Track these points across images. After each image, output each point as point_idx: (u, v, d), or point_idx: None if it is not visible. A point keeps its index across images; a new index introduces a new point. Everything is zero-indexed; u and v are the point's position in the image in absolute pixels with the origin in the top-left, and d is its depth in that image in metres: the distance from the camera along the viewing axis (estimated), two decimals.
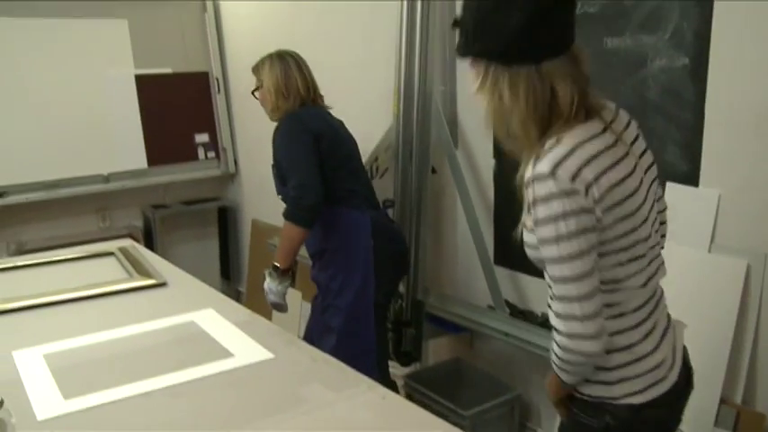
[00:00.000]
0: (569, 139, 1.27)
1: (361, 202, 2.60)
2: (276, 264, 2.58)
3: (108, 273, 2.20)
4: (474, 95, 1.34)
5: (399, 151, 2.96)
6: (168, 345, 1.62)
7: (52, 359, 1.55)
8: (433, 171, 3.00)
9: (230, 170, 4.81)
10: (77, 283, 2.05)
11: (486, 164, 2.88)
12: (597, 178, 1.24)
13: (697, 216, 2.17)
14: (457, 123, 2.97)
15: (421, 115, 2.88)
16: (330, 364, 1.47)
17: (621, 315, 1.33)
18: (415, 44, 2.83)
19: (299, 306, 4.02)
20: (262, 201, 4.61)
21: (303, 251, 3.66)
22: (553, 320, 1.30)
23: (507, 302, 2.86)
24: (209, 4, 4.67)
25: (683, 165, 2.21)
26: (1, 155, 4.00)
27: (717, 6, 2.07)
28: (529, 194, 1.27)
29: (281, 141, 2.52)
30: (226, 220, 4.96)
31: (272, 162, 2.61)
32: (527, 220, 1.32)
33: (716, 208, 2.12)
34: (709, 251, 2.13)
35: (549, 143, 1.27)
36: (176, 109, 4.59)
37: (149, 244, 4.52)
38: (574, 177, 1.23)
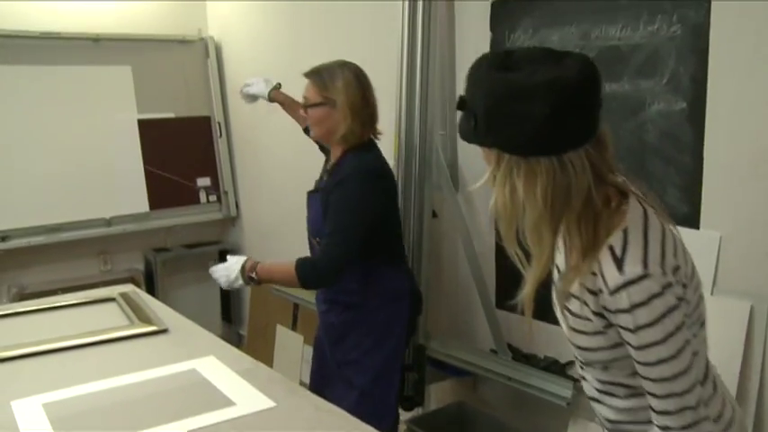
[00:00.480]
0: (633, 228, 1.17)
1: (402, 261, 2.49)
2: (256, 276, 2.24)
3: (109, 319, 2.20)
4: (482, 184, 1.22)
5: (400, 195, 2.98)
6: (169, 393, 1.61)
7: (51, 409, 1.53)
8: (434, 215, 3.01)
9: (232, 214, 4.82)
10: (78, 329, 2.05)
11: (487, 207, 2.87)
12: (676, 259, 1.17)
13: (698, 259, 2.15)
14: (457, 167, 2.98)
15: (421, 159, 2.89)
16: (333, 414, 1.46)
17: (702, 384, 1.23)
18: (416, 88, 2.86)
19: (300, 350, 4.00)
20: (263, 244, 4.62)
21: (305, 294, 3.66)
22: (659, 419, 1.17)
23: (510, 346, 2.84)
24: (212, 49, 4.73)
25: (684, 207, 2.22)
26: (3, 199, 4.02)
27: (712, 52, 2.10)
28: (614, 302, 1.14)
29: (350, 200, 2.19)
30: None
31: (311, 193, 2.40)
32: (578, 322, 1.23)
33: (717, 250, 2.12)
34: (712, 294, 2.12)
35: (611, 240, 1.15)
36: (178, 153, 4.62)
37: (150, 287, 4.52)
38: (664, 268, 1.13)
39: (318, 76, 2.27)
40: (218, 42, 4.75)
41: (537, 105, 1.08)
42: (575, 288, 1.22)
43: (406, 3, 2.86)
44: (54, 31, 4.15)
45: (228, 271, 2.25)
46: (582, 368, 1.27)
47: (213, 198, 4.75)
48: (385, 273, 2.37)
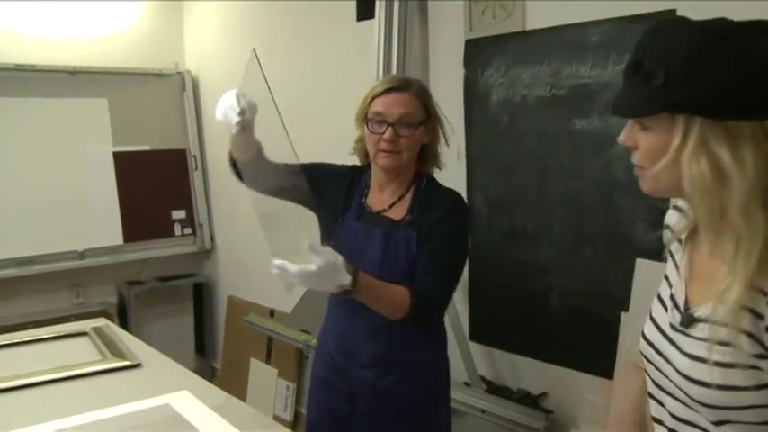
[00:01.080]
0: None
1: None
2: (353, 291, 1.68)
3: (81, 353, 2.18)
4: (645, 161, 1.05)
5: None
6: (143, 429, 1.60)
7: None
8: None
9: (206, 246, 4.81)
10: (49, 364, 2.03)
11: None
12: None
13: None
14: None
15: None
16: None
17: None
18: None
19: (274, 384, 3.98)
20: (238, 277, 4.61)
21: (279, 328, 3.65)
22: None
23: (483, 378, 2.86)
24: (188, 83, 4.76)
25: (652, 241, 2.27)
26: None
27: None
28: None
29: (460, 234, 1.95)
30: (201, 296, 4.93)
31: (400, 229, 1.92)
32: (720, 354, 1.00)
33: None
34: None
35: None
36: (153, 185, 4.62)
37: (123, 320, 4.48)
38: None
39: (423, 88, 1.94)
40: (195, 76, 4.78)
41: (759, 44, 0.92)
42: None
43: (381, 39, 2.92)
44: (29, 64, 4.15)
45: (328, 262, 1.62)
46: None
47: (188, 231, 4.74)
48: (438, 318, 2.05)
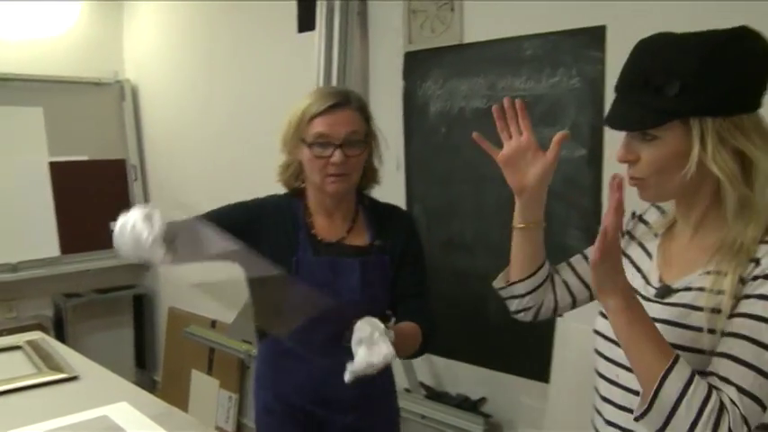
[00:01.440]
0: None
1: None
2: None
3: (15, 368, 2.13)
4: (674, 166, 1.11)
5: None
6: None
7: None
8: None
9: None
10: None
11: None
12: None
13: None
14: None
15: None
16: None
17: None
18: None
19: (215, 395, 3.95)
20: (179, 288, 4.56)
21: (220, 338, 3.63)
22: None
23: (423, 384, 2.90)
24: (128, 92, 4.70)
25: (584, 247, 2.34)
26: None
27: (607, 103, 2.25)
28: None
29: (422, 245, 1.91)
30: (141, 308, 4.85)
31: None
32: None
33: None
34: None
35: None
36: (92, 196, 4.53)
37: (60, 334, 4.38)
38: None
39: (361, 100, 1.80)
40: (135, 85, 4.73)
41: (757, 45, 1.07)
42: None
43: (322, 51, 2.95)
44: None
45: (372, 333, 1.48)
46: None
47: None
48: None
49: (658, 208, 1.35)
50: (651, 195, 1.21)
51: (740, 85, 1.06)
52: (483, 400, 2.79)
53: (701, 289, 1.13)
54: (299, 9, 3.31)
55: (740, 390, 1.03)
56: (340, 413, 1.82)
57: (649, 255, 1.29)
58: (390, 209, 1.91)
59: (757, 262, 1.08)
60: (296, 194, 1.84)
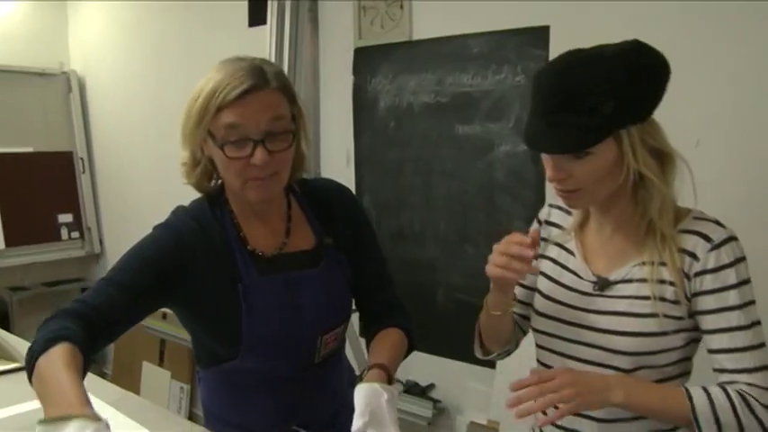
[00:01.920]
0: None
1: None
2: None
3: None
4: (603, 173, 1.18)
5: None
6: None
7: None
8: None
9: (95, 250, 4.71)
10: None
11: None
12: None
13: None
14: None
15: None
16: None
17: None
18: None
19: (167, 386, 3.96)
20: None
21: (172, 329, 3.64)
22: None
23: None
24: (74, 83, 4.64)
25: None
26: None
27: None
28: (716, 258, 1.17)
29: (367, 216, 1.66)
30: None
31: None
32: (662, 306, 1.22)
33: None
34: None
35: (693, 211, 1.24)
36: (38, 188, 4.47)
37: (6, 327, 4.31)
38: None
39: (281, 73, 1.37)
40: (82, 76, 4.67)
41: (653, 57, 1.15)
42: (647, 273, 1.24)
43: (273, 45, 2.99)
44: None
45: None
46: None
47: (75, 234, 4.63)
48: None
49: (560, 208, 1.45)
50: (584, 203, 1.30)
51: (653, 91, 1.14)
52: (432, 386, 2.88)
53: (642, 280, 1.23)
54: (250, 3, 3.34)
55: (750, 371, 1.16)
56: (323, 429, 1.57)
57: (571, 252, 1.38)
58: (325, 190, 1.57)
59: (694, 257, 1.19)
60: (215, 196, 1.46)
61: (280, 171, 1.34)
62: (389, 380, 1.34)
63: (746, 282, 1.17)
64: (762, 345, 1.17)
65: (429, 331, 2.82)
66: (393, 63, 2.82)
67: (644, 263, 1.23)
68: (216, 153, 1.32)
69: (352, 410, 1.27)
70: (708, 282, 1.18)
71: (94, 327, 1.26)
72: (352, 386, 1.39)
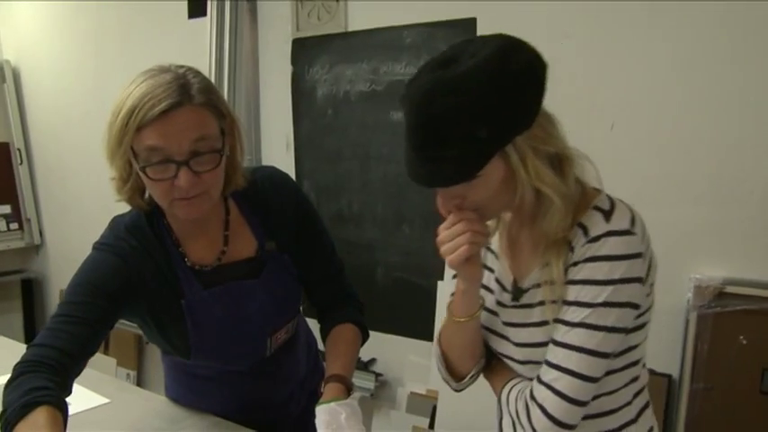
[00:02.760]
0: (617, 198, 1.13)
1: None
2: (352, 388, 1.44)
3: None
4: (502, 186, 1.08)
5: None
6: None
7: None
8: None
9: (35, 241, 4.70)
10: None
11: None
12: (647, 240, 1.11)
13: None
14: None
15: None
16: (162, 403, 1.63)
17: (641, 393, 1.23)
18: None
19: (113, 374, 4.02)
20: (70, 271, 4.43)
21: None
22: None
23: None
24: (8, 74, 4.60)
25: None
26: None
27: None
28: (587, 251, 1.07)
29: (309, 201, 1.63)
30: (31, 293, 4.82)
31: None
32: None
33: None
34: None
35: (596, 201, 1.11)
36: None
37: None
38: (644, 237, 1.09)
39: (205, 87, 1.27)
40: (16, 67, 4.63)
41: (521, 58, 1.02)
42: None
43: (213, 37, 3.07)
44: None
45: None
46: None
47: (14, 226, 4.62)
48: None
49: None
50: (488, 218, 1.18)
51: (530, 95, 1.03)
52: (373, 360, 3.02)
53: (537, 285, 1.16)
54: None
55: (560, 369, 1.08)
56: (284, 411, 1.64)
57: (495, 253, 1.30)
58: (263, 184, 1.51)
59: (572, 250, 1.10)
60: (150, 211, 1.42)
61: (208, 190, 1.29)
62: (348, 389, 1.39)
63: (615, 282, 1.04)
64: (581, 349, 1.07)
65: (370, 309, 2.94)
66: (330, 53, 2.94)
67: (543, 265, 1.14)
68: (141, 173, 1.26)
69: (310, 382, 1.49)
70: (573, 272, 1.08)
71: (64, 371, 1.26)
72: (313, 348, 1.62)
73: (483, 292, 1.27)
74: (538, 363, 1.14)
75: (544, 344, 1.13)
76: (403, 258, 2.87)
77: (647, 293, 1.12)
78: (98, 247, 1.40)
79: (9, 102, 4.61)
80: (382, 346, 2.98)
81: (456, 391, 1.34)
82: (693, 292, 2.15)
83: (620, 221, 1.06)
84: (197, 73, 1.29)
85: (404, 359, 2.94)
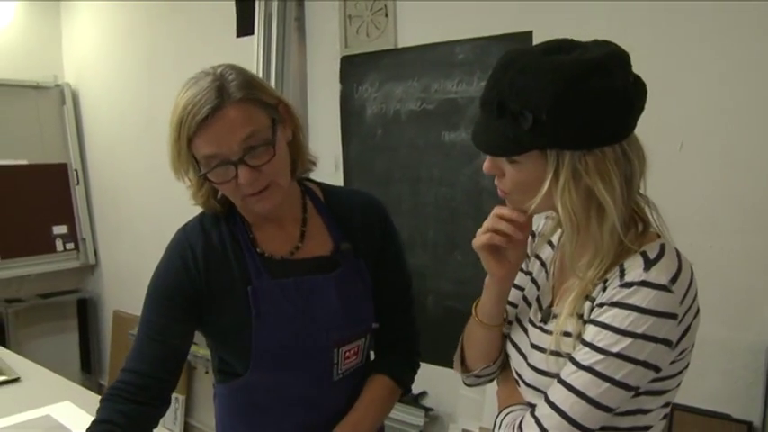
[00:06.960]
0: (670, 248, 1.02)
1: None
2: None
3: None
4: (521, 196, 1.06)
5: None
6: None
7: None
8: None
9: (90, 261, 4.73)
10: None
11: None
12: (693, 304, 1.02)
13: None
14: None
15: None
16: None
17: None
18: None
19: None
20: (123, 291, 4.56)
21: None
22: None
23: None
24: (68, 96, 4.67)
25: None
26: None
27: None
28: (615, 295, 0.99)
29: (400, 238, 1.58)
30: (86, 312, 4.84)
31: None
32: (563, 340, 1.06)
33: None
34: None
35: (646, 247, 1.02)
36: (33, 200, 4.50)
37: (2, 339, 4.34)
38: (684, 300, 0.99)
39: (243, 83, 1.27)
40: (75, 89, 4.70)
41: (617, 78, 0.96)
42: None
43: (261, 55, 3.01)
44: None
45: None
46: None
47: (70, 246, 4.65)
48: None
49: (551, 218, 1.27)
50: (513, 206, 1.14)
51: (602, 118, 0.96)
52: (424, 393, 2.88)
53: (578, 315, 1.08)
54: (238, 14, 3.36)
55: (554, 407, 1.02)
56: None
57: (546, 270, 1.24)
58: (355, 196, 1.52)
59: (605, 289, 1.02)
60: (223, 210, 1.43)
61: (274, 179, 1.28)
62: None
63: (636, 335, 0.96)
64: (581, 394, 0.99)
65: (420, 339, 2.82)
66: (379, 71, 2.83)
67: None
68: (206, 179, 1.29)
69: None
70: (597, 312, 1.01)
71: (148, 394, 1.33)
72: None
73: (523, 305, 1.25)
74: (541, 392, 1.09)
75: (551, 375, 1.07)
76: (455, 287, 2.72)
77: (673, 360, 1.02)
78: (168, 248, 1.41)
79: (68, 123, 4.68)
80: (433, 379, 2.84)
81: (464, 383, 1.37)
82: None
83: (660, 275, 0.97)
84: (234, 69, 1.30)
85: (456, 393, 2.79)
